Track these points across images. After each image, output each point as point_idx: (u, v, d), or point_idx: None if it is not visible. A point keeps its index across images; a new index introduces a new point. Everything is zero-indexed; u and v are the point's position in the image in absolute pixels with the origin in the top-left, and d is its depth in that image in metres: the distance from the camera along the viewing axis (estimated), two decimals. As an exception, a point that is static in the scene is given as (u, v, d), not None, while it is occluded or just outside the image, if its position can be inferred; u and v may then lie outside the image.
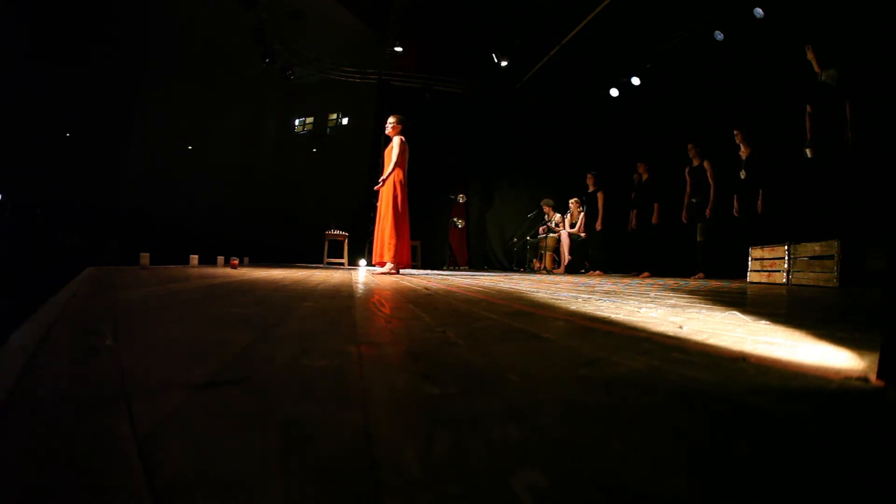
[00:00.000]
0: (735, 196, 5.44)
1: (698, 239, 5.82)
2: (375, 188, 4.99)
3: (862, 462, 0.42)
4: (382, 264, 4.85)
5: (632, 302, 1.85)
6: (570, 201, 7.95)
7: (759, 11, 5.62)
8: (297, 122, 10.37)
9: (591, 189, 7.58)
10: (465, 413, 0.52)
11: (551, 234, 8.01)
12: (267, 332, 0.97)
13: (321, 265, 8.03)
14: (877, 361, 0.67)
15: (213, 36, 7.87)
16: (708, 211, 5.73)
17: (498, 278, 4.43)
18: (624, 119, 8.29)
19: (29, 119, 5.63)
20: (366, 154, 8.95)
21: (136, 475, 0.36)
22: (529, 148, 9.71)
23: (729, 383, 0.65)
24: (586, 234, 7.67)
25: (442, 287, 2.64)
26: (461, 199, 8.85)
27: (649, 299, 2.01)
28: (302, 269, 5.24)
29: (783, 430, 0.49)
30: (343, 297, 1.85)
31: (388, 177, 4.83)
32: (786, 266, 4.03)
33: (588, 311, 1.48)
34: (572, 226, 7.87)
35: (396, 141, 4.87)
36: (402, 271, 4.97)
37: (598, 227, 7.25)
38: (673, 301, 1.93)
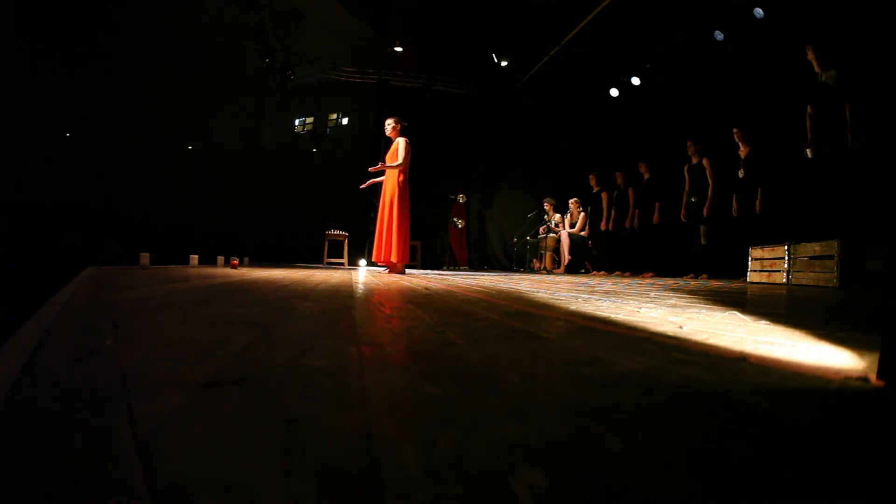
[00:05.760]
0: (734, 196, 5.44)
1: (702, 242, 5.81)
2: (371, 169, 5.03)
3: (862, 462, 0.42)
4: (389, 264, 4.86)
5: (632, 302, 1.85)
6: (570, 201, 7.96)
7: (759, 11, 5.62)
8: (297, 122, 10.37)
9: (594, 190, 7.59)
10: (465, 413, 0.52)
11: (551, 234, 8.01)
12: (267, 332, 0.97)
13: (321, 265, 8.03)
14: (877, 361, 0.67)
15: (214, 36, 7.87)
16: (706, 209, 5.73)
17: (498, 278, 4.43)
18: (624, 119, 8.30)
19: (28, 119, 5.63)
20: (366, 154, 8.96)
21: (136, 475, 0.36)
22: (529, 148, 9.72)
23: (729, 383, 0.65)
24: (588, 234, 7.68)
25: (442, 287, 2.64)
26: (461, 199, 8.85)
27: (649, 299, 2.01)
28: (302, 269, 5.23)
29: (783, 430, 0.49)
30: (343, 297, 1.85)
31: (389, 167, 4.86)
32: (786, 266, 4.03)
33: (588, 311, 1.48)
34: (572, 226, 7.88)
35: (402, 142, 4.89)
36: (400, 270, 4.98)
37: (603, 227, 7.26)
38: (673, 301, 1.93)
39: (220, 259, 5.74)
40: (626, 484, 0.36)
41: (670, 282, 4.26)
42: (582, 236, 7.72)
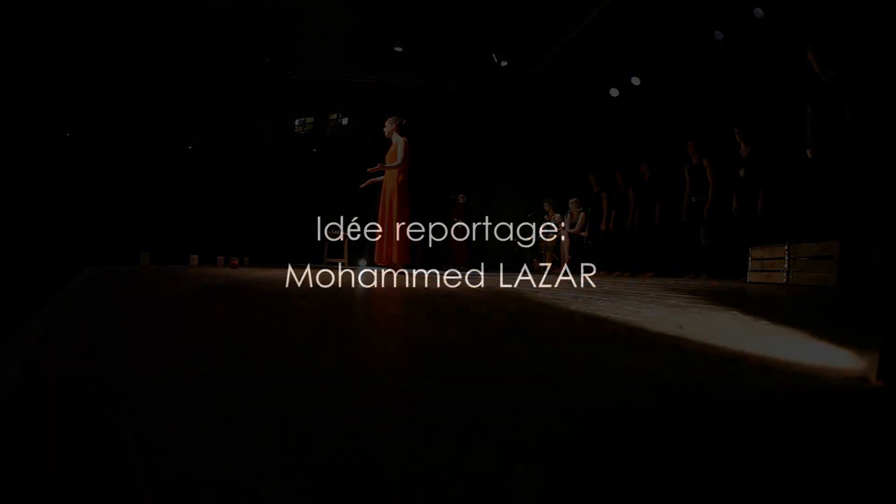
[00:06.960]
0: (734, 195, 5.43)
1: (702, 242, 5.82)
2: (370, 170, 5.02)
3: (862, 461, 0.42)
4: (390, 264, 4.86)
5: (632, 302, 1.85)
6: (570, 202, 7.97)
7: (759, 11, 5.62)
8: (297, 122, 10.36)
9: (594, 190, 7.59)
10: (465, 413, 0.52)
11: (551, 234, 8.03)
12: (267, 331, 0.97)
13: (321, 265, 8.03)
14: (877, 361, 0.67)
15: (214, 35, 7.87)
16: (706, 210, 5.73)
17: (498, 278, 4.43)
18: (624, 119, 8.29)
19: (28, 118, 5.64)
20: (366, 154, 8.96)
21: (136, 473, 0.36)
22: (530, 148, 9.72)
23: (729, 383, 0.65)
24: (588, 234, 7.69)
25: (442, 287, 2.64)
26: (461, 199, 8.86)
27: (649, 299, 2.01)
28: (302, 269, 5.23)
29: (783, 430, 0.49)
30: (343, 297, 1.85)
31: (388, 168, 4.85)
32: (786, 266, 4.03)
33: (588, 311, 1.48)
34: (572, 226, 7.88)
35: (402, 142, 4.88)
36: (401, 271, 4.98)
37: (603, 227, 7.27)
38: (673, 301, 1.93)
39: (220, 259, 5.74)
40: (626, 483, 0.36)
41: (670, 282, 4.26)
42: (582, 236, 7.73)
